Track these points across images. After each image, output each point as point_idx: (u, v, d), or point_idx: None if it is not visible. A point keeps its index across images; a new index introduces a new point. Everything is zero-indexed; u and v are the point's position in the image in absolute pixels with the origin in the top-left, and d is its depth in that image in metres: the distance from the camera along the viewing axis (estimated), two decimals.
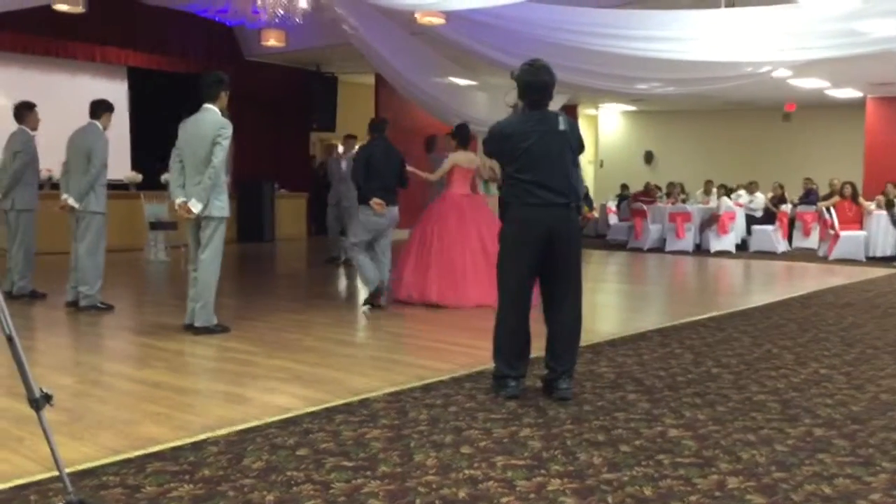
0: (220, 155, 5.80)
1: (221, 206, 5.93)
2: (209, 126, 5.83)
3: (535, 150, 4.18)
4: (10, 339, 2.46)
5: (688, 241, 14.49)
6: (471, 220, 7.51)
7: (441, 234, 7.47)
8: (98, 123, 7.05)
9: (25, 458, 3.23)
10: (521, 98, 4.31)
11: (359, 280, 7.52)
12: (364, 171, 7.08)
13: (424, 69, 12.30)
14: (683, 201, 15.87)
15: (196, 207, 5.78)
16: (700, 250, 14.48)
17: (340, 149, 10.05)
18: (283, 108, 15.69)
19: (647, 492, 2.94)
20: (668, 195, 16.60)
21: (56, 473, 2.64)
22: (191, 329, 5.98)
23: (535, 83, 4.27)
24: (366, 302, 7.20)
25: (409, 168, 7.44)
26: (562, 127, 4.27)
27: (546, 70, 4.26)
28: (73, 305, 7.02)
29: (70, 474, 2.71)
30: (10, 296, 7.26)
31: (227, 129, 5.87)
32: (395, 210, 7.18)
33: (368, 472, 3.09)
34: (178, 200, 5.88)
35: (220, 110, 6.01)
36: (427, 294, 7.32)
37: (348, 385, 4.52)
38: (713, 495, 2.92)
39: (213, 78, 6.06)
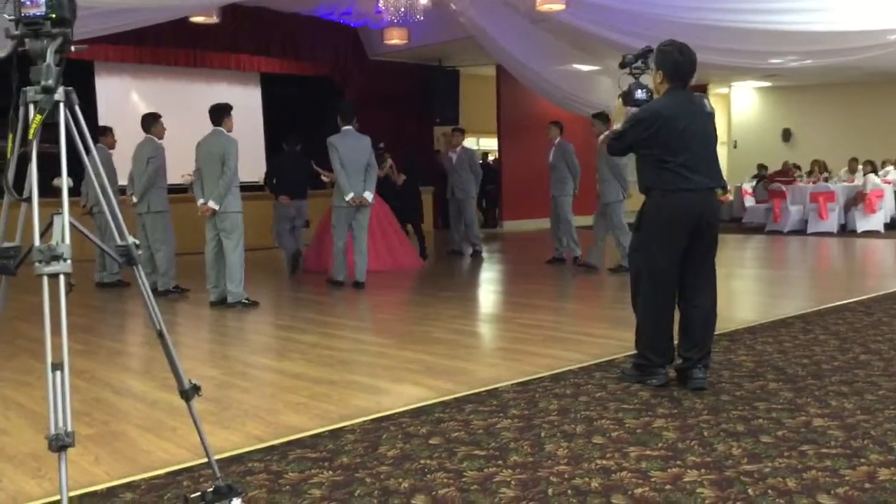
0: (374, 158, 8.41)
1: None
2: (365, 140, 8.27)
3: (689, 132, 4.05)
4: (160, 335, 2.62)
5: (832, 221, 13.75)
6: None
7: (325, 222, 9.69)
8: (223, 129, 7.34)
9: (178, 445, 3.44)
10: (667, 80, 4.13)
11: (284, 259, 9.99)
12: (275, 175, 9.76)
13: (546, 57, 12.20)
14: (826, 180, 15.04)
15: (370, 197, 8.22)
16: (845, 231, 13.72)
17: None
18: (407, 103, 15.95)
19: (791, 483, 2.82)
20: (809, 174, 15.78)
21: (206, 460, 2.79)
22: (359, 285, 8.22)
23: (684, 63, 4.11)
24: (293, 270, 9.61)
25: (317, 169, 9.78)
26: (708, 109, 4.19)
27: (690, 49, 4.13)
28: (220, 304, 7.36)
29: (218, 461, 2.87)
30: (154, 292, 7.68)
31: None
32: (301, 203, 9.67)
33: (500, 462, 3.11)
34: (351, 195, 8.07)
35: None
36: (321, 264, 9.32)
37: (477, 375, 4.56)
38: (863, 487, 2.77)
39: (351, 108, 8.45)
